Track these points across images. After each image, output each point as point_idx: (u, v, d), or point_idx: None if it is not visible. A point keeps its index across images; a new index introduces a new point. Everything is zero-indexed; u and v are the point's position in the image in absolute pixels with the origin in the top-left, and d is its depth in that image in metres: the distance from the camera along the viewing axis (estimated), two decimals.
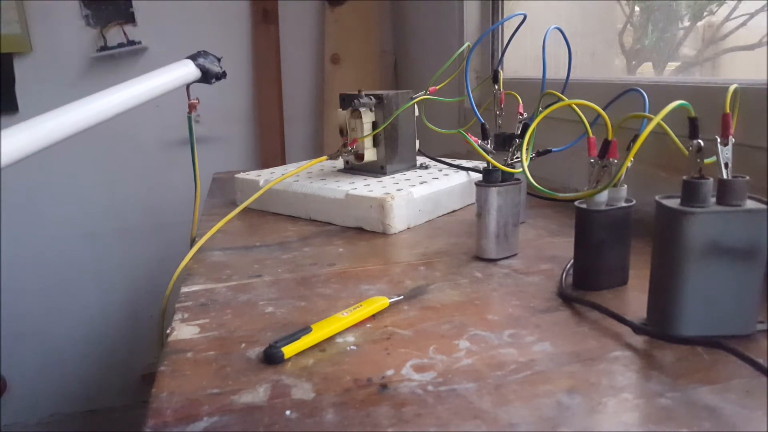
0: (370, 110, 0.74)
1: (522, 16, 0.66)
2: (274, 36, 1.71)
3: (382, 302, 0.46)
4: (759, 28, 0.77)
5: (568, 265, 0.52)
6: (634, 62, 1.05)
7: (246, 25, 1.69)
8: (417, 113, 0.81)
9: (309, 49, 1.77)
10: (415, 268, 0.56)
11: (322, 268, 0.57)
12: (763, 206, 0.38)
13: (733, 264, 0.38)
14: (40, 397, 1.75)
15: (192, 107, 0.71)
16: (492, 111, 0.68)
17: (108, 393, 1.79)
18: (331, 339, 0.42)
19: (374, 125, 0.75)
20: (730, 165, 0.38)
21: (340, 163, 0.84)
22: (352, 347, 0.41)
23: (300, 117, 1.80)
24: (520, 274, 0.53)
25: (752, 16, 0.80)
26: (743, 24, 0.81)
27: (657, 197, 0.40)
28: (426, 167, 0.82)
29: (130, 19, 1.60)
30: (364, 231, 0.68)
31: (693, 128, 0.39)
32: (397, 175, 0.77)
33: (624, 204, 0.48)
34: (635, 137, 0.42)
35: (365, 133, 0.73)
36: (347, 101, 0.74)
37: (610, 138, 0.46)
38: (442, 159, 0.86)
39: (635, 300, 0.47)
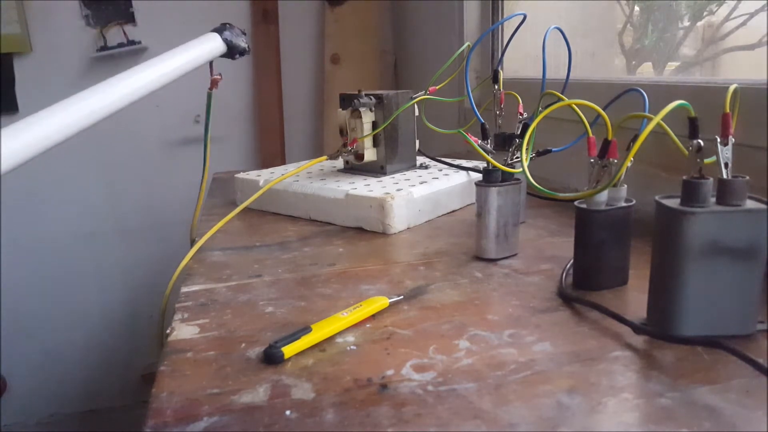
0: (370, 110, 0.74)
1: (522, 16, 0.66)
2: (274, 36, 1.71)
3: (382, 302, 0.46)
4: (759, 28, 0.77)
5: (568, 265, 0.52)
6: (634, 62, 1.05)
7: (246, 25, 1.69)
8: (417, 113, 0.81)
9: (309, 49, 1.77)
10: (415, 268, 0.56)
11: (322, 268, 0.57)
12: (763, 206, 0.38)
13: (733, 264, 0.38)
14: (40, 397, 1.75)
15: (214, 83, 0.68)
16: (492, 111, 0.68)
17: (108, 393, 1.79)
18: (331, 339, 0.42)
19: (374, 125, 0.75)
20: (730, 165, 0.38)
21: (340, 163, 0.84)
22: (352, 347, 0.41)
23: (300, 117, 1.80)
24: (520, 274, 0.53)
25: (752, 15, 0.80)
26: (743, 24, 0.81)
27: (657, 197, 0.40)
28: (426, 167, 0.82)
29: (130, 19, 1.60)
30: (364, 231, 0.68)
31: (693, 128, 0.39)
32: (397, 175, 0.77)
33: (624, 204, 0.48)
34: (635, 137, 0.42)
35: (365, 133, 0.73)
36: (347, 101, 0.74)
37: (610, 138, 0.46)
38: (442, 159, 0.86)
39: (635, 300, 0.47)
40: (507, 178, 0.56)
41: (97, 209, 1.70)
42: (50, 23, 1.56)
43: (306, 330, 0.41)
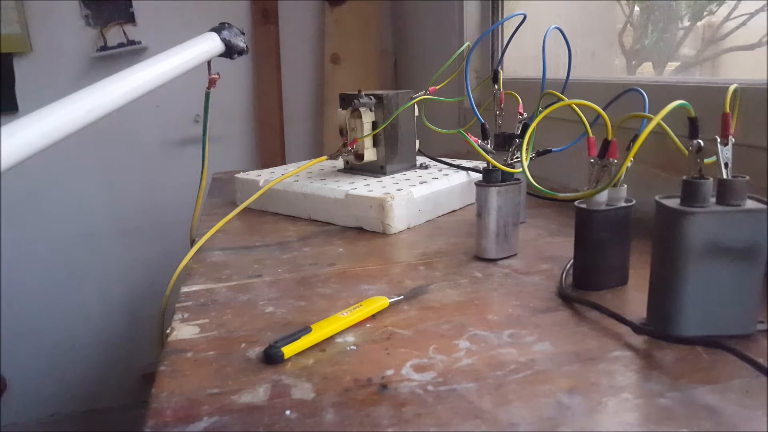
0: (370, 110, 0.74)
1: (522, 16, 0.66)
2: (274, 36, 1.71)
3: (382, 302, 0.46)
4: (759, 28, 0.77)
5: (568, 265, 0.52)
6: (634, 62, 1.05)
7: (246, 25, 1.69)
8: (417, 113, 0.81)
9: (309, 49, 1.77)
10: (415, 268, 0.56)
11: (322, 268, 0.57)
12: (763, 206, 0.38)
13: (733, 264, 0.38)
14: (40, 397, 1.75)
15: (212, 82, 0.67)
16: (492, 111, 0.68)
17: (108, 393, 1.79)
18: (331, 339, 0.42)
19: (374, 125, 0.75)
20: (730, 165, 0.38)
21: (340, 163, 0.84)
22: (352, 347, 0.41)
23: (300, 117, 1.80)
24: (520, 274, 0.53)
25: (752, 15, 0.80)
26: (743, 24, 0.81)
27: (657, 197, 0.40)
28: (426, 167, 0.82)
29: (130, 19, 1.60)
30: (364, 231, 0.68)
31: (693, 128, 0.39)
32: (397, 175, 0.77)
33: (624, 204, 0.48)
34: (635, 137, 0.42)
35: (365, 133, 0.73)
36: (347, 101, 0.74)
37: (610, 138, 0.46)
38: (442, 159, 0.86)
39: (635, 300, 0.47)
40: (507, 178, 0.56)
41: (97, 209, 1.70)
42: (50, 23, 1.56)
43: (306, 330, 0.41)
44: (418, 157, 0.84)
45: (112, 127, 1.59)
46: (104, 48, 1.58)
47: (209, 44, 0.63)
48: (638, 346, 0.40)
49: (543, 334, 0.42)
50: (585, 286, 0.49)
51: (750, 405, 0.32)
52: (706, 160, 0.39)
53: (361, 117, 0.73)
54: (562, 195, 0.48)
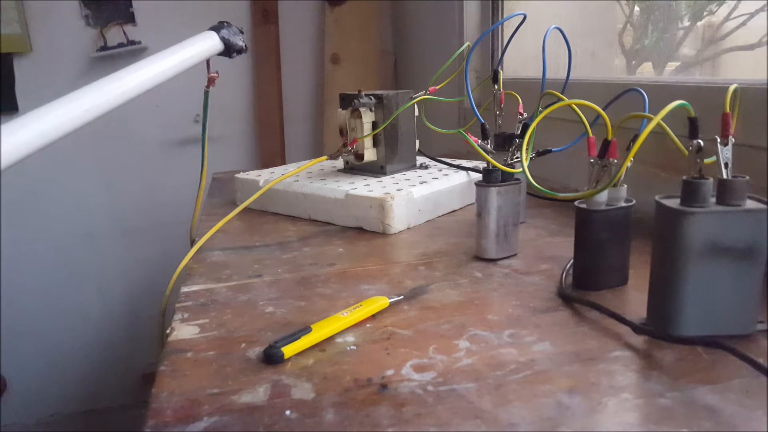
0: (370, 110, 0.74)
1: (522, 16, 0.66)
2: (274, 36, 1.71)
3: (382, 302, 0.46)
4: (759, 28, 0.77)
5: (568, 265, 0.52)
6: (634, 62, 1.05)
7: (246, 25, 1.69)
8: (417, 113, 0.81)
9: (309, 49, 1.77)
10: (415, 268, 0.56)
11: (322, 268, 0.57)
12: (763, 206, 0.38)
13: (733, 264, 0.38)
14: (40, 397, 1.75)
15: (211, 81, 0.67)
16: (492, 111, 0.68)
17: (108, 393, 1.79)
18: (331, 339, 0.42)
19: (374, 125, 0.75)
20: (730, 165, 0.38)
21: (340, 163, 0.84)
22: (352, 347, 0.41)
23: (300, 117, 1.80)
24: (520, 274, 0.53)
25: (752, 16, 0.80)
26: (743, 24, 0.81)
27: (657, 197, 0.40)
28: (426, 167, 0.82)
29: (130, 19, 1.60)
30: (364, 231, 0.68)
31: (693, 128, 0.39)
32: (397, 175, 0.77)
33: (624, 204, 0.48)
34: (635, 137, 0.42)
35: (365, 133, 0.73)
36: (347, 101, 0.74)
37: (610, 138, 0.46)
38: (442, 159, 0.86)
39: (635, 300, 0.47)
40: (507, 178, 0.56)
41: (97, 209, 1.70)
42: (50, 23, 1.56)
43: (306, 330, 0.41)
44: (418, 157, 0.84)
45: (112, 126, 1.59)
46: (104, 48, 1.58)
47: (208, 43, 0.63)
48: (638, 346, 0.40)
49: (543, 334, 0.42)
50: (585, 286, 0.49)
51: (750, 405, 0.32)
52: (706, 160, 0.39)
53: (361, 117, 0.73)
54: (562, 195, 0.48)
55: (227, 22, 0.67)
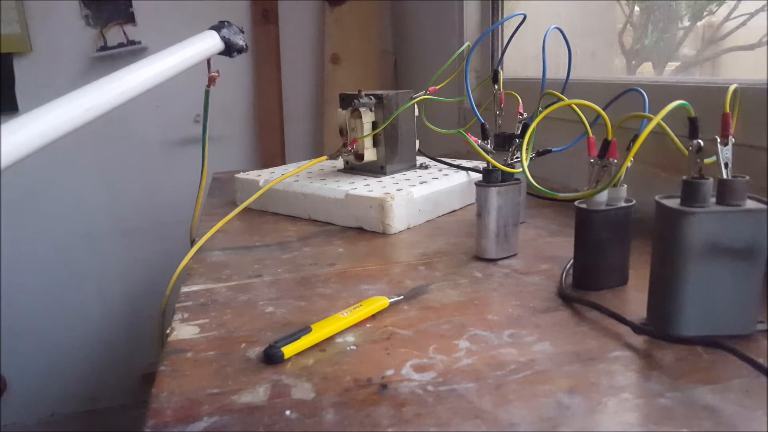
0: (370, 110, 0.74)
1: (522, 16, 0.66)
2: (274, 36, 1.71)
3: (382, 302, 0.46)
4: (759, 28, 0.77)
5: (568, 265, 0.52)
6: (634, 62, 1.05)
7: (246, 24, 1.69)
8: (417, 113, 0.81)
9: (309, 49, 1.77)
10: (415, 268, 0.56)
11: (322, 268, 0.57)
12: (763, 206, 0.38)
13: (733, 264, 0.38)
14: (40, 397, 1.75)
15: (212, 80, 0.67)
16: (492, 111, 0.68)
17: (108, 393, 1.79)
18: (331, 339, 0.42)
19: (374, 125, 0.75)
20: (730, 165, 0.38)
21: (340, 163, 0.84)
22: (352, 347, 0.41)
23: (300, 117, 1.80)
24: (520, 274, 0.53)
25: (752, 16, 0.80)
26: (743, 24, 0.81)
27: (657, 197, 0.40)
28: (426, 167, 0.82)
29: (130, 19, 1.60)
30: (364, 231, 0.68)
31: (693, 128, 0.39)
32: (397, 175, 0.77)
33: (624, 204, 0.48)
34: (635, 137, 0.42)
35: (365, 133, 0.73)
36: (347, 101, 0.74)
37: (610, 138, 0.46)
38: (442, 159, 0.86)
39: (635, 300, 0.47)
40: (507, 178, 0.56)
41: (97, 209, 1.70)
42: (50, 23, 1.56)
43: (306, 330, 0.41)
44: (418, 157, 0.84)
45: (112, 126, 1.59)
46: (104, 48, 1.58)
47: (208, 42, 0.63)
48: (638, 346, 0.40)
49: (543, 334, 0.42)
50: (585, 286, 0.49)
51: (750, 405, 0.32)
52: (706, 160, 0.39)
53: (361, 117, 0.73)
54: (562, 195, 0.48)
55: (228, 22, 0.67)
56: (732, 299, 0.39)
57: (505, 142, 0.63)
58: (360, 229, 0.69)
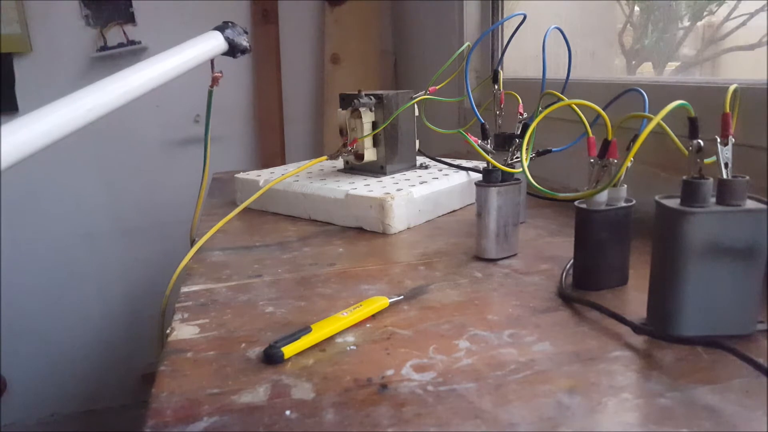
0: (370, 110, 0.74)
1: (522, 16, 0.66)
2: (274, 36, 1.71)
3: (382, 302, 0.46)
4: (759, 28, 0.77)
5: (568, 265, 0.52)
6: (634, 62, 1.05)
7: (246, 24, 1.69)
8: (417, 113, 0.81)
9: (309, 49, 1.77)
10: (415, 268, 0.56)
11: (322, 268, 0.57)
12: (763, 206, 0.38)
13: (733, 264, 0.38)
14: (40, 397, 1.75)
15: (215, 80, 0.68)
16: (492, 111, 0.68)
17: (108, 393, 1.79)
18: (331, 339, 0.42)
19: (374, 125, 0.75)
20: (730, 165, 0.38)
21: (340, 163, 0.84)
22: (352, 347, 0.41)
23: (300, 117, 1.80)
24: (520, 274, 0.53)
25: (752, 16, 0.80)
26: (743, 24, 0.81)
27: (657, 197, 0.40)
28: (426, 167, 0.82)
29: (130, 19, 1.60)
30: (364, 231, 0.68)
31: (693, 128, 0.39)
32: (397, 175, 0.77)
33: (624, 204, 0.48)
34: (635, 137, 0.42)
35: (365, 133, 0.73)
36: (347, 101, 0.74)
37: (610, 138, 0.46)
38: (442, 159, 0.86)
39: (635, 300, 0.47)
40: (507, 178, 0.56)
41: (97, 209, 1.70)
42: (50, 23, 1.56)
43: (306, 330, 0.41)
44: (418, 157, 0.84)
45: (112, 126, 1.59)
46: (104, 48, 1.58)
47: (212, 43, 0.64)
48: (638, 346, 0.40)
49: (543, 334, 0.42)
50: (585, 286, 0.49)
51: (750, 405, 0.32)
52: (706, 160, 0.39)
53: (361, 117, 0.73)
54: (562, 195, 0.48)
55: (231, 22, 0.67)
56: (732, 299, 0.39)
57: (505, 142, 0.63)
58: (360, 229, 0.69)
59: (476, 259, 0.58)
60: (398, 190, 0.68)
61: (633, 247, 0.50)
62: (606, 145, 0.46)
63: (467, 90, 0.58)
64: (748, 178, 0.38)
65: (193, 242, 0.66)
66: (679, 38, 0.94)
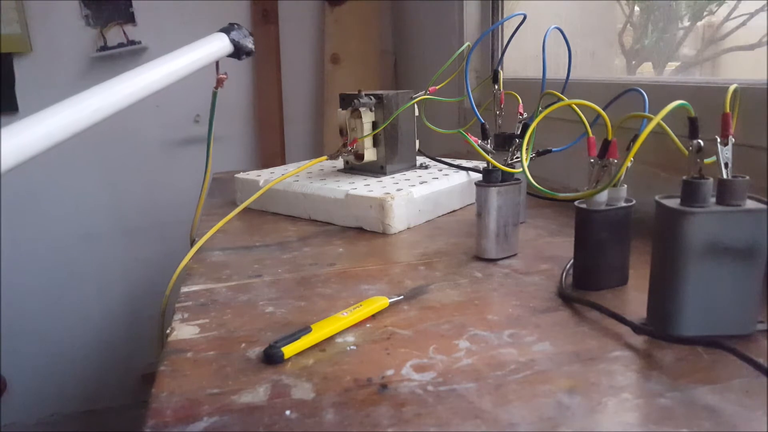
0: (370, 110, 0.74)
1: (522, 16, 0.66)
2: (274, 36, 1.71)
3: (382, 302, 0.46)
4: (759, 28, 0.77)
5: (568, 265, 0.52)
6: (634, 62, 1.05)
7: (246, 25, 1.69)
8: (417, 113, 0.81)
9: (309, 49, 1.77)
10: (415, 268, 0.56)
11: (322, 268, 0.57)
12: (763, 206, 0.38)
13: (733, 264, 0.38)
14: (40, 397, 1.75)
15: (220, 82, 0.68)
16: (492, 111, 0.68)
17: (108, 393, 1.79)
18: (331, 339, 0.42)
19: (374, 125, 0.75)
20: (730, 165, 0.38)
21: (340, 163, 0.84)
22: (352, 347, 0.41)
23: (300, 117, 1.80)
24: (520, 274, 0.53)
25: (752, 16, 0.80)
26: (743, 24, 0.81)
27: (657, 197, 0.40)
28: (426, 167, 0.82)
29: (130, 19, 1.60)
30: (364, 231, 0.68)
31: (693, 128, 0.39)
32: (397, 175, 0.77)
33: (624, 204, 0.48)
34: (635, 137, 0.42)
35: (365, 133, 0.73)
36: (347, 101, 0.74)
37: (610, 138, 0.46)
38: (442, 159, 0.86)
39: (635, 300, 0.47)
40: (507, 178, 0.56)
41: (98, 209, 1.70)
42: (50, 23, 1.56)
43: (306, 330, 0.41)
44: (418, 157, 0.84)
45: (113, 127, 1.58)
46: (104, 48, 1.58)
47: (218, 44, 0.64)
48: (638, 346, 0.40)
49: (543, 334, 0.42)
50: (585, 286, 0.49)
51: (750, 405, 0.32)
52: (706, 160, 0.39)
53: (361, 117, 0.73)
54: (562, 195, 0.48)
55: (237, 24, 0.67)
56: (732, 299, 0.39)
57: (505, 142, 0.63)
58: (360, 229, 0.69)
59: (476, 259, 0.58)
60: (398, 190, 0.68)
61: (633, 247, 0.50)
62: (606, 145, 0.46)
63: (467, 90, 0.58)
64: (748, 178, 0.38)
65: (193, 242, 0.66)
66: (679, 38, 0.94)
